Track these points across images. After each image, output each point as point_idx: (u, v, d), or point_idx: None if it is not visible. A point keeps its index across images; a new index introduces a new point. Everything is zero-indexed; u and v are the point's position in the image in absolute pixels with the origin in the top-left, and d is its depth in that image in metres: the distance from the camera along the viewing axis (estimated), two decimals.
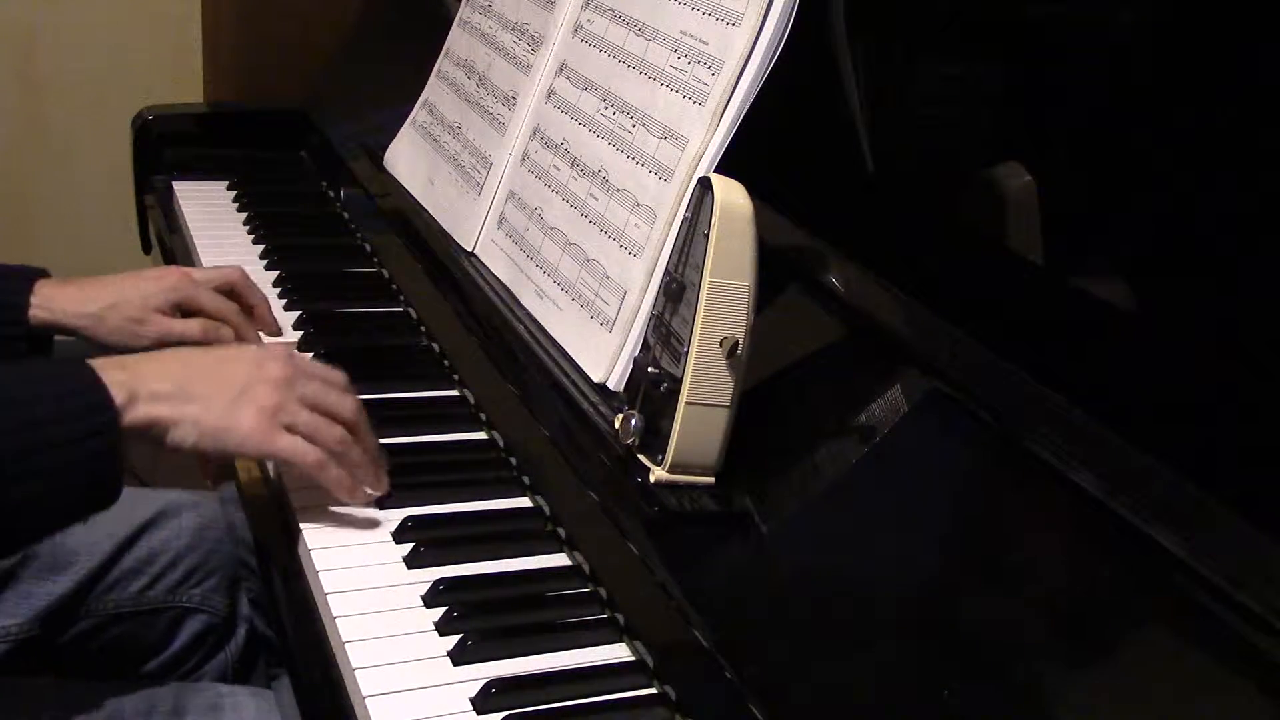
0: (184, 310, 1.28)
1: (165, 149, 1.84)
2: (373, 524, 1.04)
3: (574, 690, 0.88)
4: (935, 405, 0.89)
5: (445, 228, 1.41)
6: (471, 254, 1.35)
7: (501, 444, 1.16)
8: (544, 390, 1.12)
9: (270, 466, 1.10)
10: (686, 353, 0.93)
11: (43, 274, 1.26)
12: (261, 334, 1.30)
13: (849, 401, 0.94)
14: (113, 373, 0.93)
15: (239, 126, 1.93)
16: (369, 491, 1.04)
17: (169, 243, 1.66)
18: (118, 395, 0.91)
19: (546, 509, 1.06)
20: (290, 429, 0.99)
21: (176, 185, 1.76)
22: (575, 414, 1.07)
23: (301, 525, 1.03)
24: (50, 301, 1.24)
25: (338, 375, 1.06)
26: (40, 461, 0.88)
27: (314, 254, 1.58)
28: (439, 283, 1.36)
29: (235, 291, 1.30)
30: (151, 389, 0.94)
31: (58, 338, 1.28)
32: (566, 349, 1.14)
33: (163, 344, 1.27)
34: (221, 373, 0.99)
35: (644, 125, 1.12)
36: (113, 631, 1.26)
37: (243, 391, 0.98)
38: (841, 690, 0.80)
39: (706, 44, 1.07)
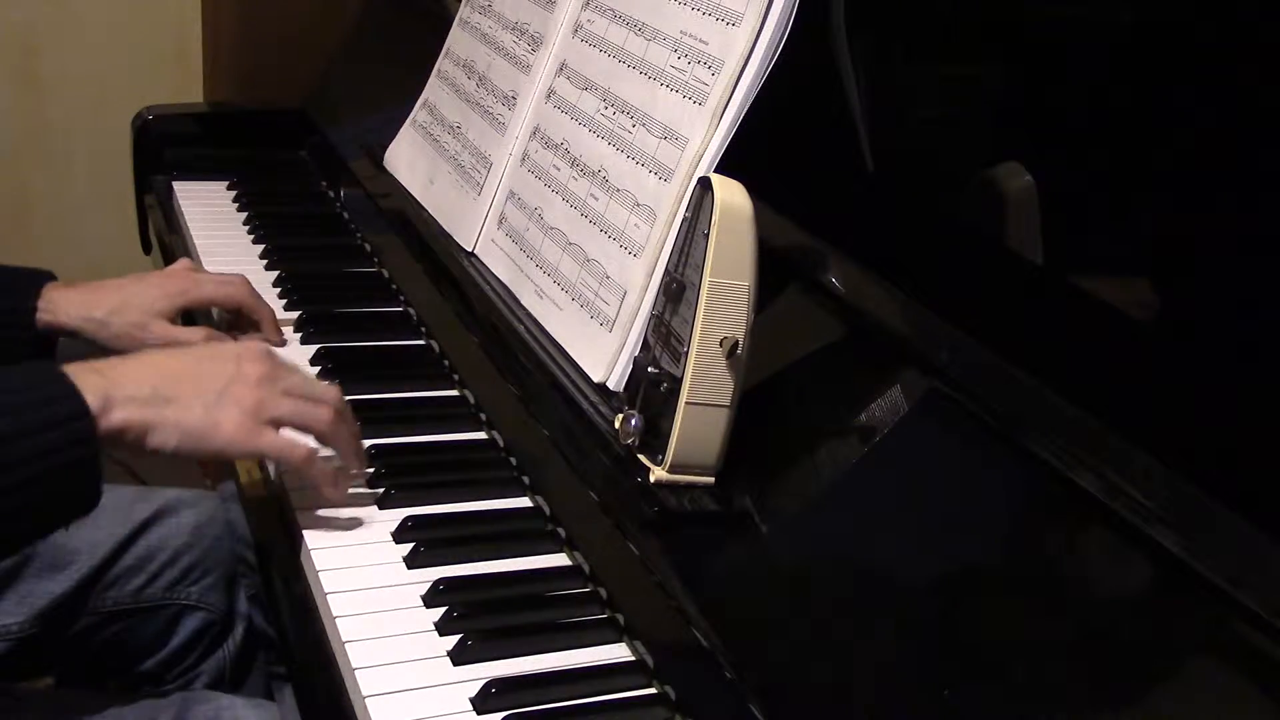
0: (189, 312, 1.30)
1: (165, 149, 1.84)
2: (373, 524, 1.04)
3: (574, 690, 0.88)
4: (935, 405, 0.89)
5: (445, 228, 1.41)
6: (471, 254, 1.35)
7: (501, 444, 1.16)
8: (544, 390, 1.12)
9: (271, 467, 1.10)
10: (686, 353, 0.93)
11: (50, 277, 1.28)
12: (276, 337, 1.31)
13: (849, 401, 0.94)
14: (88, 377, 0.91)
15: (239, 126, 1.93)
16: (350, 482, 1.04)
17: (169, 243, 1.66)
18: (93, 401, 0.90)
19: (546, 509, 1.06)
20: (275, 423, 0.99)
21: (176, 185, 1.76)
22: (575, 414, 1.07)
23: (302, 525, 1.03)
24: (56, 305, 1.25)
25: (313, 375, 1.07)
26: (16, 474, 0.86)
27: (314, 254, 1.58)
28: (439, 283, 1.36)
29: (241, 311, 1.32)
30: (128, 393, 0.93)
31: (61, 340, 1.29)
32: (566, 349, 1.14)
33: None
34: (200, 373, 0.98)
35: (644, 125, 1.12)
36: (111, 629, 1.27)
37: (222, 391, 0.97)
38: (841, 690, 0.80)
39: (706, 44, 1.07)
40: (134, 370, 0.96)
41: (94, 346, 1.28)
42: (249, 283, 1.33)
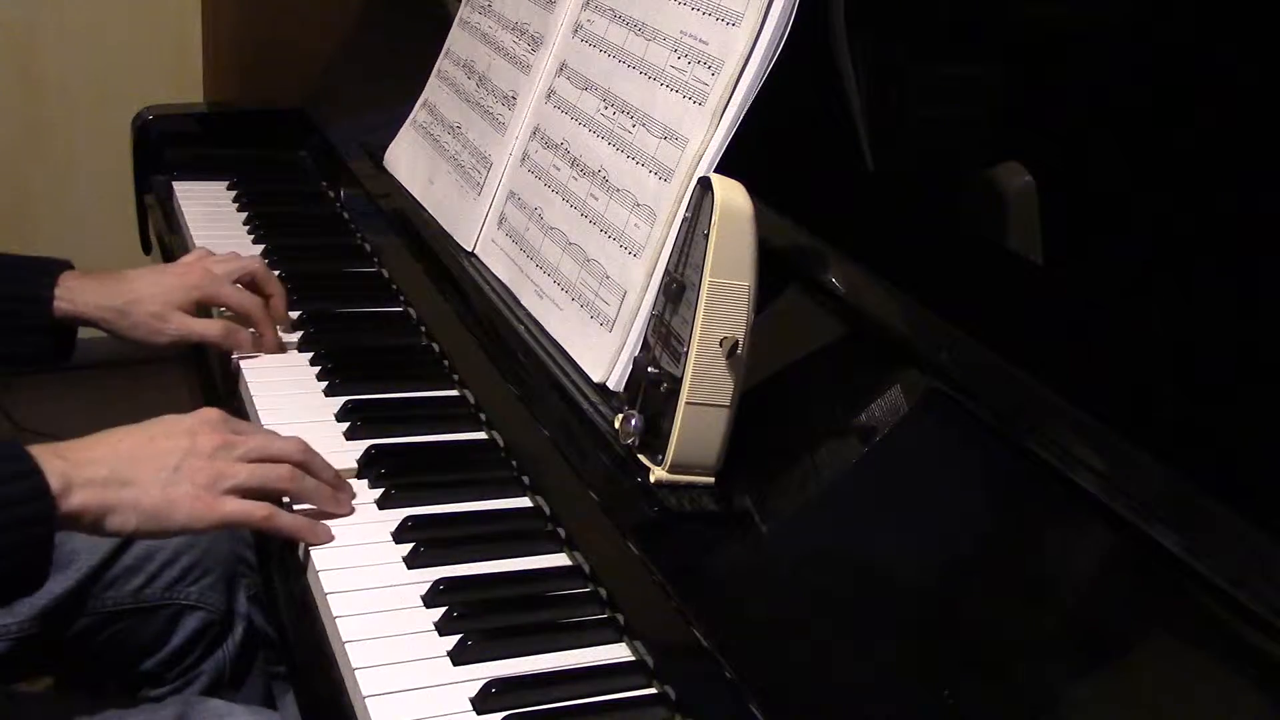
0: (206, 306, 1.30)
1: (165, 149, 1.84)
2: (373, 524, 1.04)
3: (574, 690, 0.88)
4: (935, 405, 0.89)
5: (445, 228, 1.41)
6: (471, 254, 1.35)
7: (501, 444, 1.16)
8: (544, 390, 1.12)
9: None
10: (686, 353, 0.93)
11: (67, 265, 1.28)
12: (266, 335, 1.32)
13: (849, 401, 0.94)
14: (49, 460, 0.91)
15: (239, 126, 1.93)
16: (328, 527, 1.02)
17: (169, 243, 1.66)
18: (54, 483, 0.90)
19: (546, 509, 1.06)
20: (235, 491, 0.98)
21: (176, 185, 1.76)
22: (575, 414, 1.07)
23: None
24: (74, 294, 1.26)
25: (270, 431, 1.06)
26: None
27: (314, 254, 1.58)
28: (439, 283, 1.36)
29: (255, 282, 1.33)
30: (86, 475, 0.93)
31: (81, 334, 1.30)
32: (566, 349, 1.14)
33: (183, 342, 1.29)
34: (154, 451, 0.97)
35: (644, 125, 1.12)
36: (111, 629, 1.27)
37: (177, 468, 0.97)
38: (841, 690, 0.80)
39: (706, 44, 1.07)
40: (91, 453, 0.95)
41: (113, 338, 1.29)
42: (265, 270, 1.35)
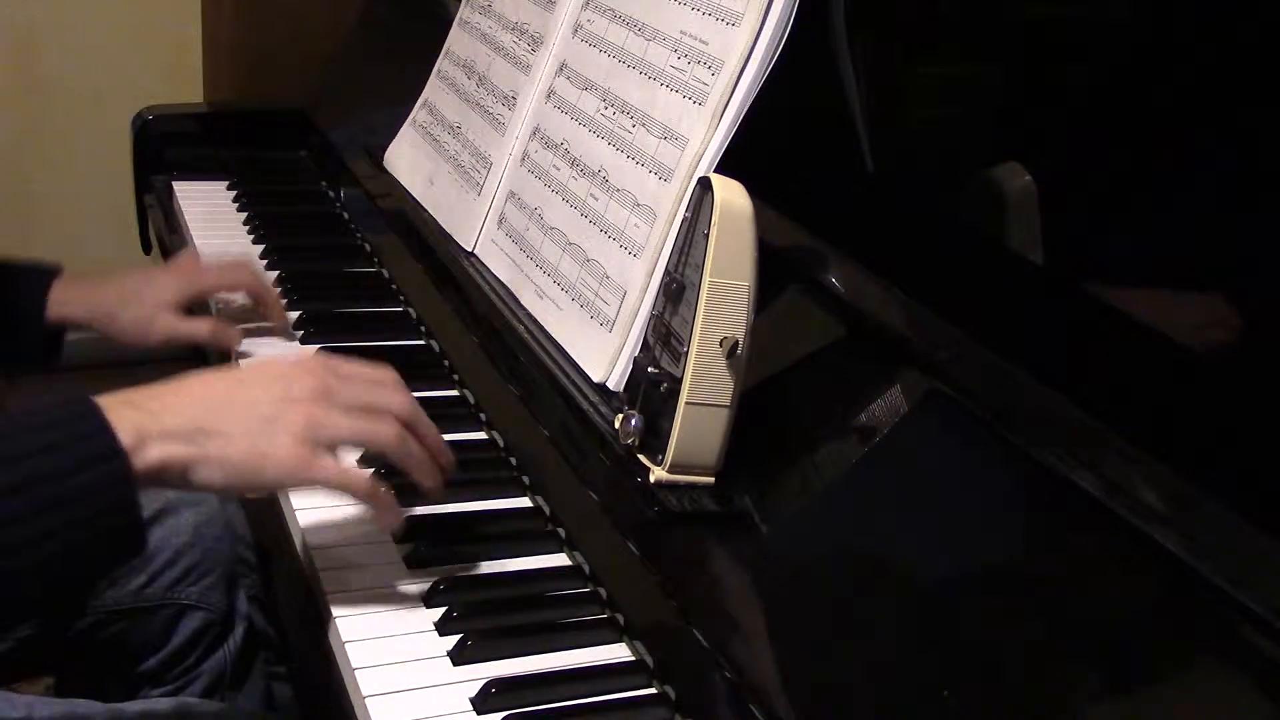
0: (199, 302, 1.31)
1: (165, 149, 1.84)
2: (373, 524, 1.04)
3: (574, 690, 0.88)
4: (935, 405, 0.89)
5: (445, 228, 1.41)
6: (471, 254, 1.35)
7: (501, 444, 1.16)
8: (544, 390, 1.12)
9: None
10: (686, 353, 0.93)
11: (58, 270, 1.29)
12: (272, 313, 1.33)
13: (849, 401, 0.94)
14: (121, 411, 0.83)
15: (239, 126, 1.93)
16: (440, 486, 0.96)
17: (169, 243, 1.66)
18: (127, 438, 0.81)
19: (546, 509, 1.06)
20: (334, 445, 0.90)
21: (176, 185, 1.76)
22: (575, 414, 1.07)
23: (302, 525, 1.03)
24: (65, 299, 1.27)
25: (385, 373, 0.97)
26: (49, 522, 0.78)
27: (314, 254, 1.58)
28: (439, 283, 1.36)
29: (248, 282, 1.34)
30: (164, 426, 0.84)
31: (81, 334, 1.31)
32: (566, 349, 1.14)
33: (172, 342, 1.29)
34: (245, 398, 0.88)
35: (644, 125, 1.12)
36: (111, 629, 1.27)
37: (272, 417, 0.87)
38: (841, 690, 0.80)
39: (706, 44, 1.07)
40: (172, 400, 0.87)
41: (103, 341, 1.30)
42: (253, 266, 1.35)
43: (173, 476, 0.85)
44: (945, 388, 0.88)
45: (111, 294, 1.29)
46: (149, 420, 0.84)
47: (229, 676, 1.32)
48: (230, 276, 1.33)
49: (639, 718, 0.87)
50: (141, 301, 1.29)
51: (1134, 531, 0.73)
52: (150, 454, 0.83)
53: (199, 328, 1.30)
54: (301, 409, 0.88)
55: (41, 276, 1.28)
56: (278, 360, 0.94)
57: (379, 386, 0.94)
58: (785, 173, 1.09)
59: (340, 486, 0.91)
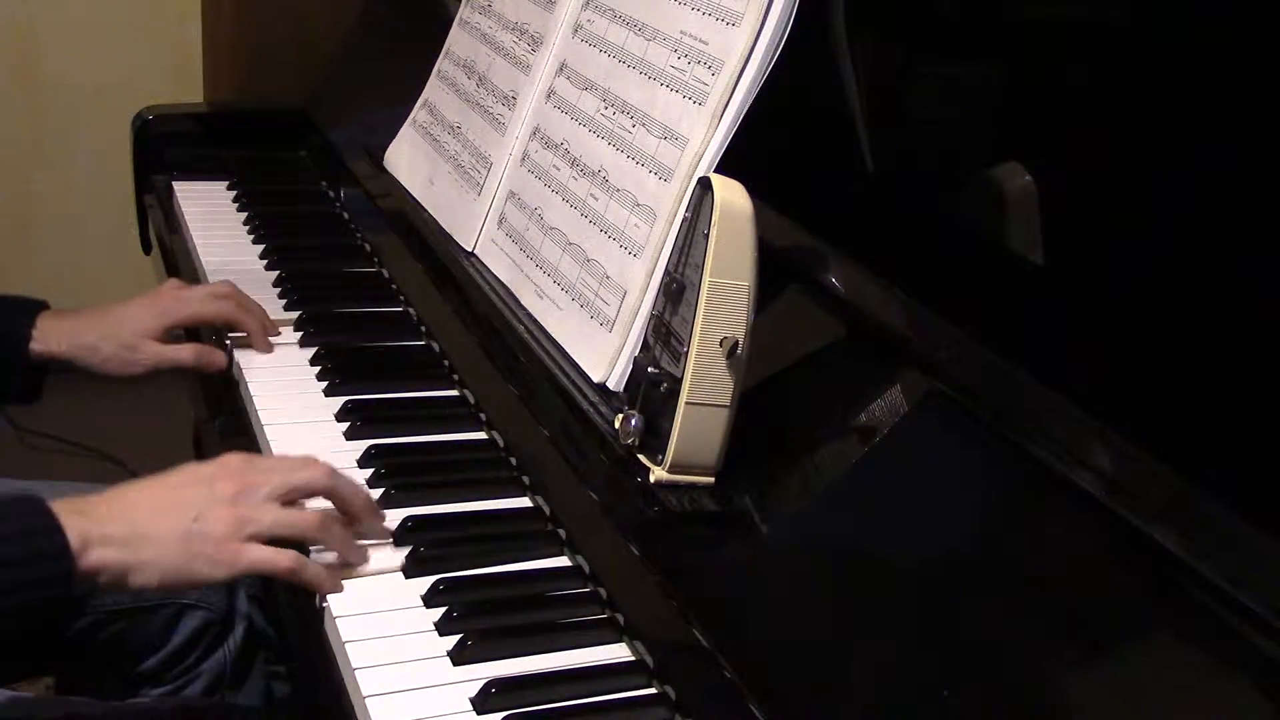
0: (183, 328, 1.31)
1: (165, 149, 1.84)
2: (373, 524, 1.04)
3: (574, 690, 0.88)
4: (935, 405, 0.89)
5: (445, 228, 1.41)
6: (471, 254, 1.35)
7: (501, 444, 1.16)
8: (544, 390, 1.12)
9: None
10: (686, 353, 0.93)
11: (43, 306, 1.29)
12: (254, 335, 1.32)
13: (849, 401, 0.94)
14: (68, 517, 0.90)
15: (239, 126, 1.93)
16: (364, 559, 1.00)
17: (169, 243, 1.66)
18: (73, 541, 0.89)
19: (546, 509, 1.06)
20: (259, 537, 0.95)
21: (176, 185, 1.76)
22: (575, 414, 1.07)
23: None
24: (48, 334, 1.27)
25: (300, 457, 1.03)
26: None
27: (314, 254, 1.58)
28: (439, 283, 1.36)
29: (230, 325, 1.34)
30: (104, 533, 0.91)
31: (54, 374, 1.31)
32: (566, 349, 1.14)
33: (157, 370, 1.30)
34: (173, 503, 0.95)
35: (644, 125, 1.12)
36: (111, 628, 1.27)
37: (197, 518, 0.94)
38: (841, 690, 0.80)
39: (706, 44, 1.07)
40: (110, 509, 0.94)
41: (88, 374, 1.30)
42: (238, 293, 1.34)
43: (108, 580, 0.92)
44: (945, 388, 0.88)
45: (94, 326, 1.29)
46: (92, 526, 0.91)
47: (229, 676, 1.32)
48: (212, 305, 1.33)
49: (639, 718, 0.87)
50: (124, 331, 1.29)
51: (1133, 531, 0.73)
52: (91, 557, 0.90)
53: (183, 352, 1.31)
54: (226, 511, 0.95)
55: (26, 310, 1.28)
56: (203, 465, 1.00)
57: (297, 470, 1.00)
58: (785, 173, 1.09)
59: (269, 571, 0.97)
